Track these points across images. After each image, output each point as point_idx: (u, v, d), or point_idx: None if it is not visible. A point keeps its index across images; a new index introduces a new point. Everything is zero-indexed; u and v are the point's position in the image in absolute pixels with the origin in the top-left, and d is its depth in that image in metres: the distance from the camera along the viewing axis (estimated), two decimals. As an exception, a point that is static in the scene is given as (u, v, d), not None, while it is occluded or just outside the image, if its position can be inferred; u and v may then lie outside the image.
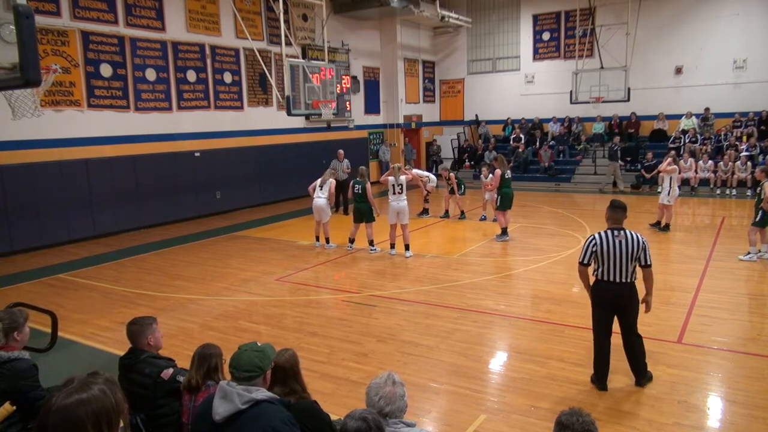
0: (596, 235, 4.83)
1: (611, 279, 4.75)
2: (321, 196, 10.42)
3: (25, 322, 3.49)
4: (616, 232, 4.78)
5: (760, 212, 8.65)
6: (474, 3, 21.94)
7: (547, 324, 6.45)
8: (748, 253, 8.93)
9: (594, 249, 4.78)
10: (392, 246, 10.03)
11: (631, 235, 4.75)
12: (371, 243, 10.16)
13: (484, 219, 12.90)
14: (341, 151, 15.21)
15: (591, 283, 4.96)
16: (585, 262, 4.85)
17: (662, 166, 11.52)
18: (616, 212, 4.88)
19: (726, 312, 6.73)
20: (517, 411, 4.53)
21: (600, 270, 4.80)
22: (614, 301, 4.80)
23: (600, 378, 4.88)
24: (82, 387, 1.60)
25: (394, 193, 9.79)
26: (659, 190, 16.33)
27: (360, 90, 19.74)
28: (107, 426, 1.59)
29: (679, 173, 11.80)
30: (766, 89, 17.38)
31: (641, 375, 4.89)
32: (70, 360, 5.86)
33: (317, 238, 10.73)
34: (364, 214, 10.10)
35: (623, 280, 4.72)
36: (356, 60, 19.36)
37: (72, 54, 11.43)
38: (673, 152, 12.60)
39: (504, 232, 10.83)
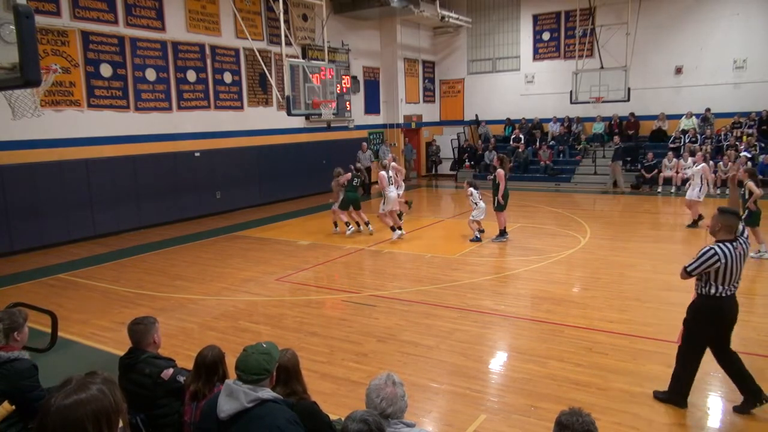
0: (718, 250, 4.20)
1: (731, 294, 4.31)
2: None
3: (24, 322, 3.49)
4: (735, 244, 4.27)
5: (747, 211, 8.75)
6: (474, 3, 21.94)
7: (547, 324, 6.44)
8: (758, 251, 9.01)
9: (717, 266, 4.19)
10: (394, 228, 11.01)
11: (743, 241, 4.38)
12: (347, 224, 11.58)
13: (477, 239, 10.76)
14: (365, 144, 18.20)
15: (698, 298, 4.43)
16: (694, 273, 4.32)
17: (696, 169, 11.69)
18: (730, 219, 4.35)
19: (726, 312, 6.72)
20: (517, 411, 4.53)
21: (721, 287, 4.26)
22: (731, 318, 4.36)
23: (685, 395, 4.48)
24: (80, 387, 1.59)
25: (390, 184, 11.06)
26: (659, 190, 16.56)
27: (360, 90, 19.75)
28: (107, 426, 1.58)
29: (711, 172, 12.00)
30: (766, 89, 17.38)
31: (759, 396, 4.32)
32: (70, 360, 5.85)
33: (335, 224, 11.95)
34: (352, 202, 11.49)
35: (735, 292, 4.37)
36: (356, 60, 19.37)
37: (72, 54, 11.43)
38: (705, 150, 12.81)
39: (502, 233, 10.78)
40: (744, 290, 7.64)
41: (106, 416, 1.58)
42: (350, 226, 11.61)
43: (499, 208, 10.67)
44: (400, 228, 11.07)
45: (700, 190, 11.38)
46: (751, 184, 8.78)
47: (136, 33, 12.59)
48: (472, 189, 10.82)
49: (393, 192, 11.06)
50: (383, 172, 11.13)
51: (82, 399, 1.56)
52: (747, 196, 8.80)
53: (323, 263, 9.61)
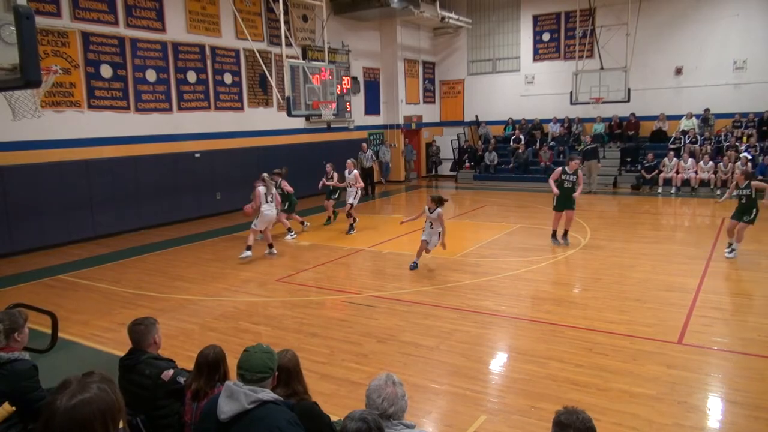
0: None
1: None
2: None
3: (25, 323, 3.49)
4: None
5: (756, 211, 8.91)
6: (474, 3, 21.95)
7: (547, 324, 6.44)
8: (732, 249, 9.15)
9: None
10: (249, 248, 9.84)
11: None
12: (289, 230, 11.73)
13: (415, 267, 9.03)
14: (365, 144, 18.11)
15: None
16: None
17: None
18: None
19: (726, 312, 6.73)
20: (517, 411, 4.53)
21: None
22: None
23: None
24: (82, 388, 1.60)
25: (267, 201, 10.16)
26: (659, 191, 16.57)
27: (360, 91, 19.75)
28: (113, 423, 1.60)
29: None
30: (766, 89, 17.38)
31: None
32: (70, 361, 5.85)
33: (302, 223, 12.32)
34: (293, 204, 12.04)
35: None
36: (356, 61, 19.37)
37: (72, 55, 11.44)
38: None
39: (554, 235, 10.29)
40: (744, 290, 7.68)
41: (111, 414, 1.60)
42: (292, 232, 11.70)
43: (558, 207, 10.25)
44: (248, 249, 9.81)
45: None
46: (757, 183, 8.95)
47: (136, 34, 12.60)
48: (440, 209, 8.75)
49: (269, 211, 10.17)
50: (261, 188, 10.14)
51: (86, 399, 1.57)
52: (753, 196, 8.90)
53: (323, 264, 9.62)
